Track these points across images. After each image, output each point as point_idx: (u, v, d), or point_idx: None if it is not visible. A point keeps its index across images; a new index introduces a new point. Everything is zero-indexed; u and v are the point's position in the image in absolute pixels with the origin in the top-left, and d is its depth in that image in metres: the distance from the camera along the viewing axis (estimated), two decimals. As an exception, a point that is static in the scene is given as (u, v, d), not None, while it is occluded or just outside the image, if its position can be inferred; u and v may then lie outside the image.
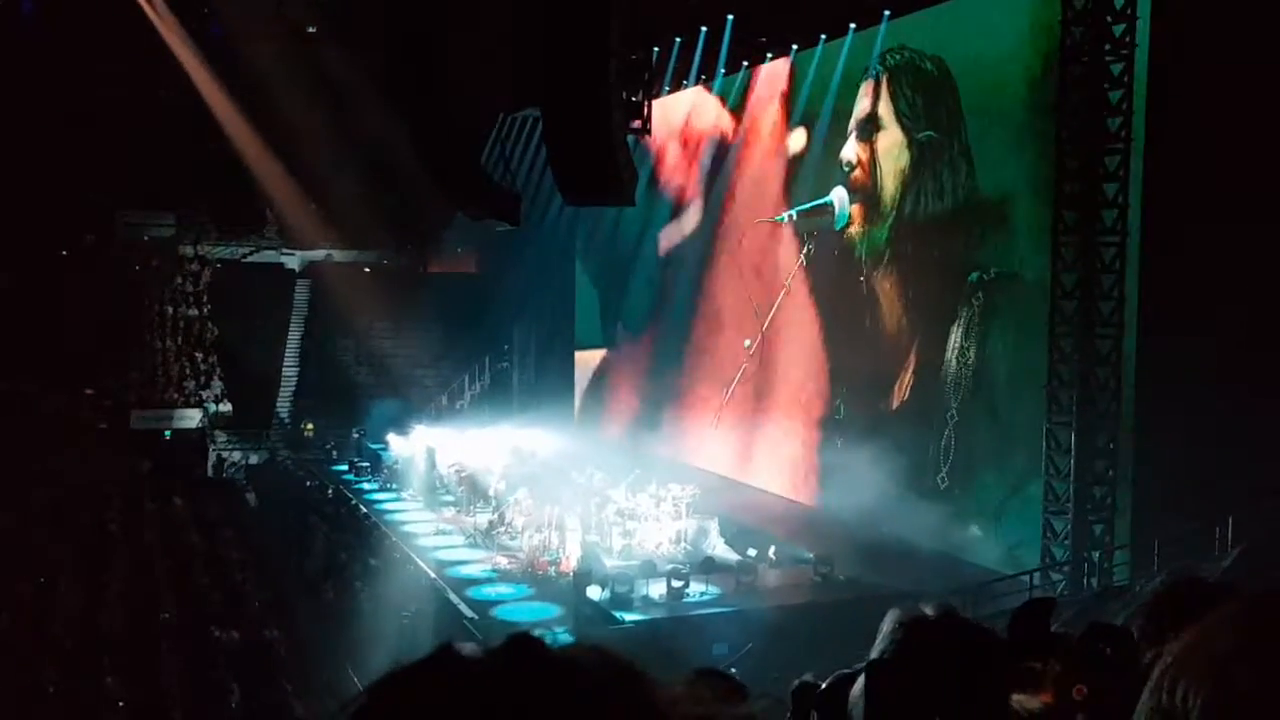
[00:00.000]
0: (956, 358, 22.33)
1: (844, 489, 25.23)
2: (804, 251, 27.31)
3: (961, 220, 22.45)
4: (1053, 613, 1.29)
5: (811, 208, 26.78)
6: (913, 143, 23.76)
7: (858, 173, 25.25)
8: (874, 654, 1.34)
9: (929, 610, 1.35)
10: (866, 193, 25.07)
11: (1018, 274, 20.83)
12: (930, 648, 1.25)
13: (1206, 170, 16.09)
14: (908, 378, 23.93)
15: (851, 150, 25.39)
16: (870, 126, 24.83)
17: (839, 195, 25.79)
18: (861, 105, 25.11)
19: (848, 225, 25.69)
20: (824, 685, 1.36)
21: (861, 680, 1.32)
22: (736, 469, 28.95)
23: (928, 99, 23.39)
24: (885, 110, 24.53)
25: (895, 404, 24.23)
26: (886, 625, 1.37)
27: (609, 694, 0.80)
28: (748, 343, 29.20)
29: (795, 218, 27.48)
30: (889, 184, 24.39)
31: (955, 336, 22.38)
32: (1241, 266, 15.55)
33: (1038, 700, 1.21)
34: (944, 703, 1.17)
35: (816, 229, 26.80)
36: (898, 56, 24.22)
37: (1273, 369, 15.08)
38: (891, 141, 24.34)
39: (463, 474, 28.09)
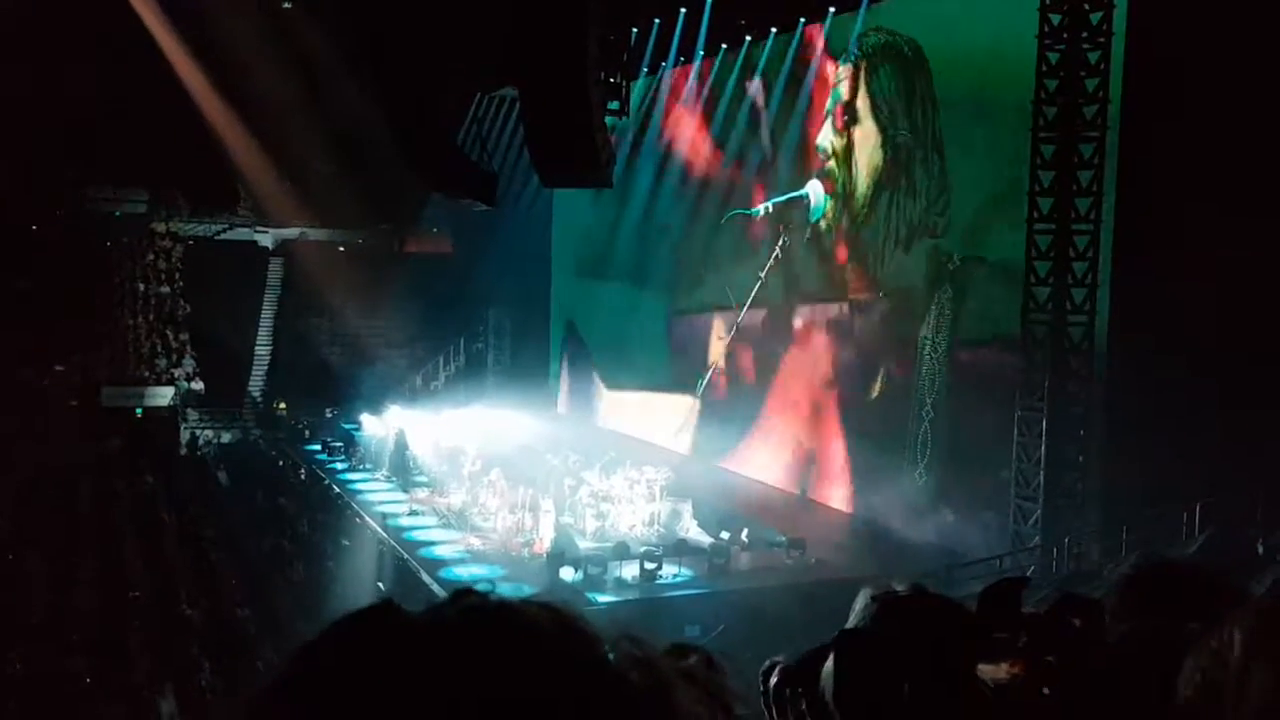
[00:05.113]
0: (929, 351, 22.36)
1: (817, 476, 25.35)
2: (779, 244, 27.31)
3: (934, 208, 22.50)
4: (1024, 591, 1.30)
5: (787, 200, 26.78)
6: (888, 140, 23.80)
7: (832, 163, 25.25)
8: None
9: (899, 588, 1.36)
10: (841, 184, 25.08)
11: (983, 260, 20.87)
12: (899, 619, 1.26)
13: (1181, 159, 16.17)
14: (883, 368, 23.99)
15: (828, 137, 25.37)
16: (848, 116, 24.82)
17: (814, 188, 25.81)
18: (839, 92, 25.10)
19: (823, 217, 25.71)
20: (795, 660, 1.36)
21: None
22: (710, 454, 28.99)
23: (903, 87, 23.40)
24: (862, 102, 24.53)
25: (873, 394, 24.29)
26: (859, 603, 1.38)
27: (553, 646, 0.78)
28: (723, 336, 29.25)
29: (770, 210, 27.47)
30: (863, 176, 24.42)
31: (926, 329, 22.44)
32: (1213, 256, 15.66)
33: (1004, 671, 1.21)
34: (912, 672, 1.18)
35: (792, 221, 26.80)
36: (875, 40, 24.21)
37: (1240, 358, 15.23)
38: (867, 135, 24.35)
39: (437, 454, 28.00)
